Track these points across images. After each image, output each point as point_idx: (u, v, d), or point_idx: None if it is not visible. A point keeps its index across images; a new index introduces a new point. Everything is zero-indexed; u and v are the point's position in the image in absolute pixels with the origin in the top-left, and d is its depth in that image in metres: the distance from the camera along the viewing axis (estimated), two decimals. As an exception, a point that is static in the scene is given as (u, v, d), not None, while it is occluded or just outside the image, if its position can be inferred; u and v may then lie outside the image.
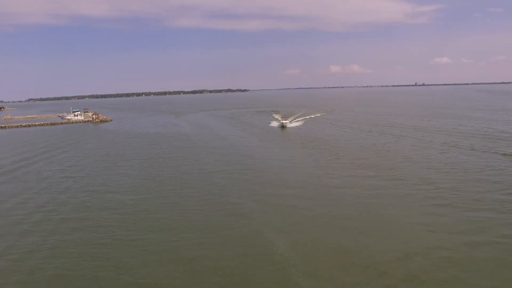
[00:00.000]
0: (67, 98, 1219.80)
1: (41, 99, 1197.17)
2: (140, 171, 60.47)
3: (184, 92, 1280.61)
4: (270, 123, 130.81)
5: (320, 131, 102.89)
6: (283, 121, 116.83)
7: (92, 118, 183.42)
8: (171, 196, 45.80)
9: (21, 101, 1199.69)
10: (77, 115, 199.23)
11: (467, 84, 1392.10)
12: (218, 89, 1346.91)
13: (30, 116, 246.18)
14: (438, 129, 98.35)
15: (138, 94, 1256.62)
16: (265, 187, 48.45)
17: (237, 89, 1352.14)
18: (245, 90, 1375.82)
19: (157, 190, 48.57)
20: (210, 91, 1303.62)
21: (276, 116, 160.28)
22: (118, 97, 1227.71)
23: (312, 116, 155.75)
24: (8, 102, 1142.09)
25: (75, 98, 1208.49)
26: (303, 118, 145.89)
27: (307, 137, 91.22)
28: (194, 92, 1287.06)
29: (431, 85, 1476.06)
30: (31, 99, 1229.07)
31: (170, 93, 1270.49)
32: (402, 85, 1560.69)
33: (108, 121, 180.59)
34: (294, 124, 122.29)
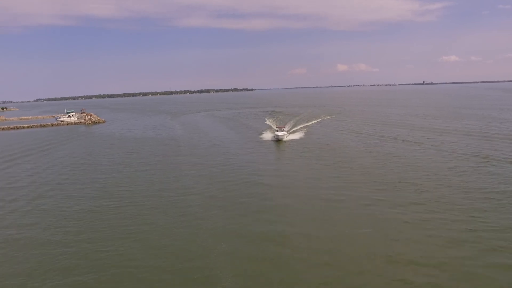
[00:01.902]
0: (74, 98, 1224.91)
1: (48, 99, 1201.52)
2: (100, 192, 48.87)
3: (191, 92, 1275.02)
4: (261, 134, 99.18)
5: (326, 143, 79.64)
6: (279, 133, 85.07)
7: (85, 119, 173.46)
8: (119, 237, 34.10)
9: (29, 101, 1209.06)
10: (71, 116, 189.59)
11: (476, 82, 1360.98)
12: (225, 88, 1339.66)
13: (26, 117, 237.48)
14: (463, 133, 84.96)
15: (145, 94, 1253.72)
16: (248, 226, 36.43)
17: (243, 89, 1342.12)
18: (251, 90, 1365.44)
19: (104, 225, 36.92)
20: (216, 91, 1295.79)
21: (269, 122, 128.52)
22: (125, 96, 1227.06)
23: (317, 120, 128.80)
24: (17, 102, 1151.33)
25: (82, 98, 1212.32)
26: (305, 124, 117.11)
27: (310, 160, 68.49)
28: (201, 91, 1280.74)
29: (439, 83, 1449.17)
30: (39, 99, 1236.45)
31: (176, 92, 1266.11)
32: (409, 84, 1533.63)
33: (101, 122, 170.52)
34: (293, 136, 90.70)
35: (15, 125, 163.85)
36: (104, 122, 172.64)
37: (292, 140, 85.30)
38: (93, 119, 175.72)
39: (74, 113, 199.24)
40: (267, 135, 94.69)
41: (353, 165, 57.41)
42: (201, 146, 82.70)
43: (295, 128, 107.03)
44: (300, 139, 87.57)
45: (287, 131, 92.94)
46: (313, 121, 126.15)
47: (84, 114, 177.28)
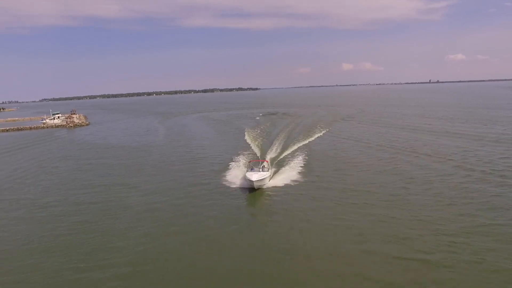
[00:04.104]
0: (79, 98, 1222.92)
1: (53, 99, 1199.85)
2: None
3: (195, 91, 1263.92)
4: (227, 171, 52.75)
5: (331, 175, 47.87)
6: (254, 177, 41.75)
7: (66, 122, 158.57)
8: None
9: (34, 101, 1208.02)
10: (55, 118, 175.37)
11: (483, 80, 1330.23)
12: (229, 87, 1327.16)
13: (12, 119, 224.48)
14: (502, 142, 67.27)
15: (149, 94, 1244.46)
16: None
17: (248, 88, 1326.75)
18: (256, 89, 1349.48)
19: None
20: (221, 90, 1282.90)
21: (249, 139, 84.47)
22: (129, 96, 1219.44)
23: (323, 131, 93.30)
24: (22, 102, 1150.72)
25: (87, 98, 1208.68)
26: (306, 141, 77.49)
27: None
28: (205, 91, 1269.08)
29: (445, 82, 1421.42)
30: (44, 99, 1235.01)
31: (181, 92, 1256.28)
32: (415, 83, 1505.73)
33: (84, 125, 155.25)
34: (279, 178, 47.34)
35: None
36: (87, 124, 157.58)
37: (276, 189, 43.20)
38: (76, 121, 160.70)
39: (60, 115, 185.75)
40: (235, 175, 49.63)
41: (375, 211, 40.48)
42: (174, 162, 66.10)
43: (290, 150, 67.10)
44: (294, 181, 46.16)
45: (269, 170, 46.44)
46: (317, 130, 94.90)
47: (67, 116, 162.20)
